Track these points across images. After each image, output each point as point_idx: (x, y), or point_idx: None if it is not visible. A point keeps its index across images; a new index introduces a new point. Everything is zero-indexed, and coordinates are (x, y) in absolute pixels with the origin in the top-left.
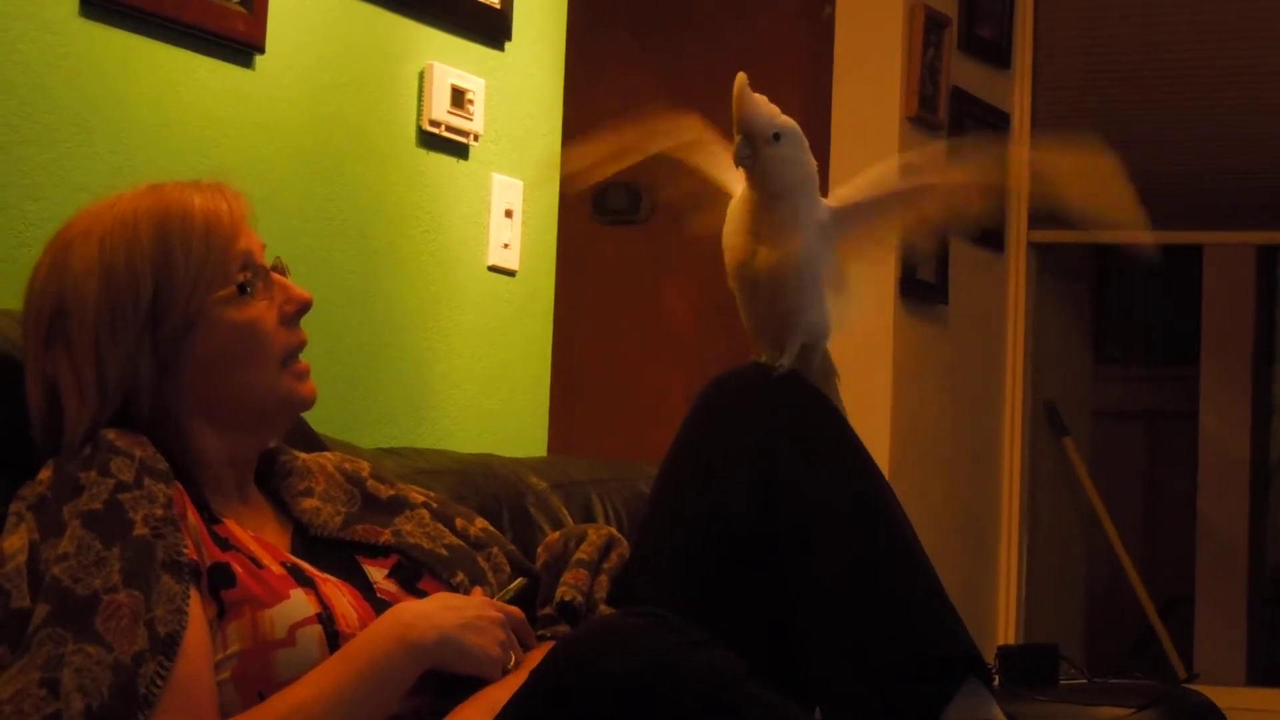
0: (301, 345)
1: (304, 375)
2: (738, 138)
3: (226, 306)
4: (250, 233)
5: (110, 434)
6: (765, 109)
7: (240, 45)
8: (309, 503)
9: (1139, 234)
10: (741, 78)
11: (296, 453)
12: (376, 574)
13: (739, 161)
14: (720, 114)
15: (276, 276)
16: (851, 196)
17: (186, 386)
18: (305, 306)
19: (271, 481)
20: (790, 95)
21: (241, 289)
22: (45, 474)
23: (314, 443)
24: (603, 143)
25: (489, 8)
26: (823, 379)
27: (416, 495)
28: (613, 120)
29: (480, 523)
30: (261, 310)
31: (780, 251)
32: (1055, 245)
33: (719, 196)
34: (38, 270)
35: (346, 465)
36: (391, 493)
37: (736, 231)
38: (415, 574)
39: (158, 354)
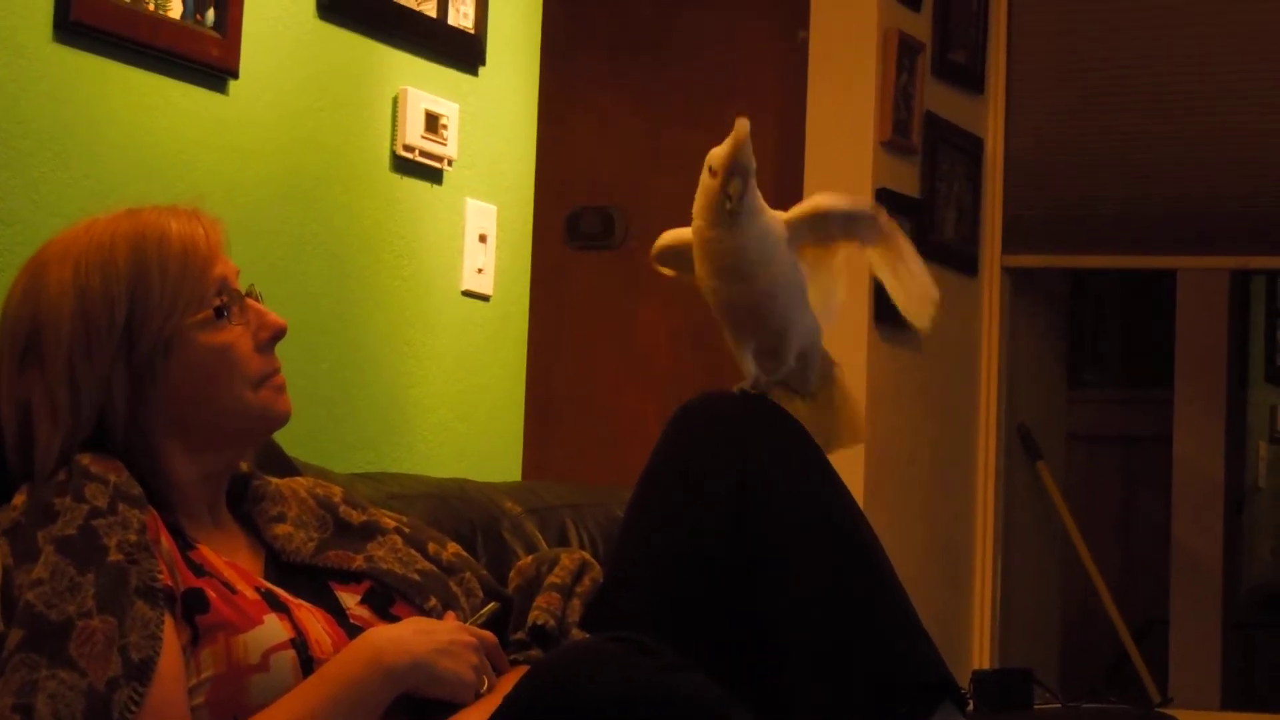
0: (275, 372)
1: (281, 389)
2: (733, 181)
3: (202, 330)
4: (226, 259)
5: (85, 459)
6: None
7: (214, 70)
8: (282, 529)
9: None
10: (746, 123)
11: (269, 478)
12: (349, 600)
13: (735, 203)
14: (692, 136)
15: (251, 303)
16: (801, 209)
17: (161, 409)
18: (280, 333)
19: (244, 506)
20: (764, 119)
21: (218, 313)
22: (19, 499)
23: (287, 468)
24: None
25: (463, 33)
26: (824, 377)
27: (388, 520)
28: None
29: (452, 547)
30: (237, 335)
31: (759, 284)
32: (1029, 269)
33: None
34: (12, 293)
35: (319, 490)
36: (364, 518)
37: (706, 274)
38: (388, 599)
39: (132, 376)
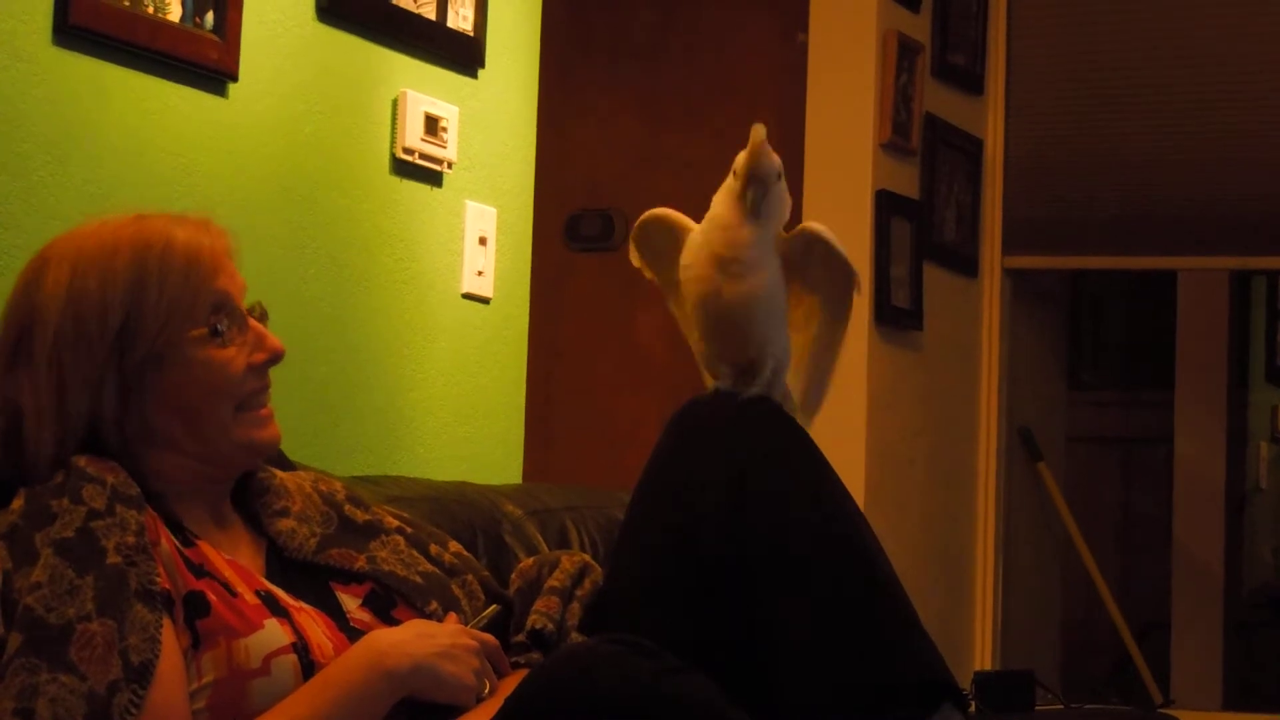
0: (263, 391)
1: (264, 421)
2: (750, 189)
3: (197, 346)
4: (233, 272)
5: (82, 460)
6: (774, 155)
7: (214, 73)
8: (285, 523)
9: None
10: (762, 129)
11: (274, 470)
12: (350, 603)
13: (752, 209)
14: (692, 138)
15: (253, 323)
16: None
17: (149, 419)
18: (276, 357)
19: (247, 499)
20: (764, 121)
21: (214, 332)
22: (18, 503)
23: (286, 465)
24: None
25: (462, 35)
26: (786, 402)
27: (391, 520)
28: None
29: (454, 547)
30: (231, 355)
31: (749, 284)
32: (1029, 270)
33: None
34: (13, 291)
35: (321, 486)
36: (367, 518)
37: (700, 263)
38: (389, 602)
39: (122, 384)
